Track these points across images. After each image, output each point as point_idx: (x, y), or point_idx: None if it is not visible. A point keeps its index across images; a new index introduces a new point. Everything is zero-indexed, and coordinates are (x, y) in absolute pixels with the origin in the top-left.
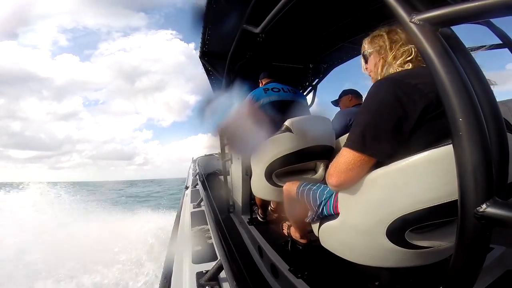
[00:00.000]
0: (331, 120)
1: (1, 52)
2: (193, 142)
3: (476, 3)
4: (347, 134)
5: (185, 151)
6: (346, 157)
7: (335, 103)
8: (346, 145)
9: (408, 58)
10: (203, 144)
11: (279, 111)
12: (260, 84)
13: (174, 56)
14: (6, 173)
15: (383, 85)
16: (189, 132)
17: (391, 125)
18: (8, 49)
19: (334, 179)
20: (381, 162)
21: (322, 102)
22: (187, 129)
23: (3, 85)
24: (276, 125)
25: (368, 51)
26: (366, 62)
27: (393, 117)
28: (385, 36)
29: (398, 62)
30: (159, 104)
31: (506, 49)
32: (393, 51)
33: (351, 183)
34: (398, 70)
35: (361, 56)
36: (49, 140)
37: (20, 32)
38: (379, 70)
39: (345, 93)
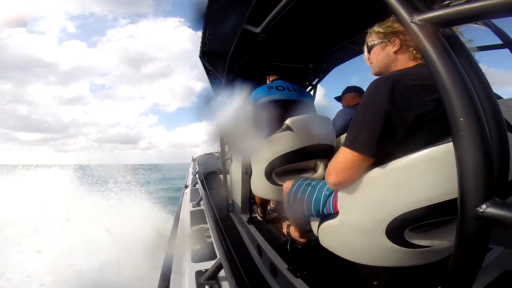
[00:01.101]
0: (332, 119)
1: (10, 38)
2: (196, 129)
3: (478, 4)
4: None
5: (190, 137)
6: (344, 156)
7: (338, 99)
8: (344, 144)
9: (411, 56)
10: (205, 130)
11: (282, 110)
12: (268, 80)
13: (180, 43)
14: (14, 155)
15: (380, 85)
16: (193, 119)
17: (387, 126)
18: (17, 36)
19: (333, 178)
20: (380, 162)
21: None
22: (191, 115)
23: (10, 70)
24: (279, 124)
25: (373, 42)
26: (369, 52)
27: (389, 118)
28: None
29: (400, 58)
30: (164, 90)
31: (507, 49)
32: (397, 45)
33: (350, 181)
34: (398, 68)
35: (365, 45)
36: (56, 123)
37: (29, 19)
38: (380, 63)
39: (348, 90)
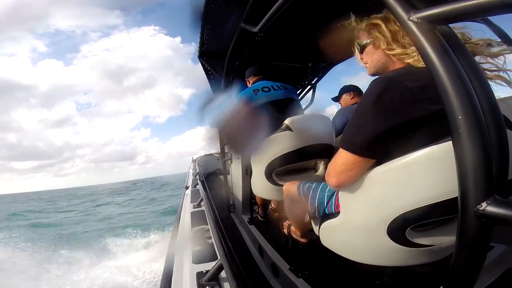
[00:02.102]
0: (332, 118)
1: None
2: (192, 136)
3: (475, 1)
4: None
5: (186, 145)
6: (344, 158)
7: (336, 99)
8: (342, 146)
9: (407, 54)
10: (201, 136)
11: (273, 111)
12: (248, 84)
13: (160, 51)
14: (13, 184)
15: (380, 87)
16: (187, 127)
17: (387, 127)
18: None
19: (333, 180)
20: (380, 161)
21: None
22: (184, 123)
23: None
24: (271, 125)
25: (364, 41)
26: (361, 52)
27: (388, 120)
28: (383, 26)
29: (396, 57)
30: (151, 101)
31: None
32: (391, 44)
33: (351, 182)
34: (396, 67)
35: (355, 44)
36: (48, 148)
37: None
38: (377, 64)
39: (346, 90)
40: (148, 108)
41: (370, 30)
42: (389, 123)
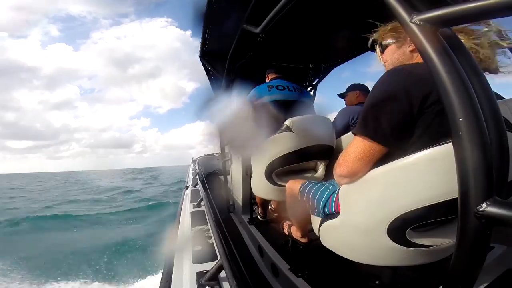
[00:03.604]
0: (333, 118)
1: None
2: (190, 130)
3: (477, 4)
4: (348, 133)
5: (184, 138)
6: (356, 146)
7: (342, 96)
8: (356, 132)
9: None
10: (201, 131)
11: (282, 111)
12: (266, 79)
13: (169, 43)
14: (6, 164)
15: (393, 75)
16: (186, 120)
17: (400, 114)
18: None
19: (343, 169)
20: (386, 159)
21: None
22: (184, 116)
23: None
24: (279, 124)
25: (388, 41)
26: (382, 51)
27: (402, 106)
28: None
29: (416, 56)
30: (153, 91)
31: (506, 50)
32: (413, 45)
33: (359, 173)
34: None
35: (377, 44)
36: (45, 129)
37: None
38: (395, 61)
39: (353, 87)
40: (150, 98)
41: (396, 31)
42: (404, 108)
